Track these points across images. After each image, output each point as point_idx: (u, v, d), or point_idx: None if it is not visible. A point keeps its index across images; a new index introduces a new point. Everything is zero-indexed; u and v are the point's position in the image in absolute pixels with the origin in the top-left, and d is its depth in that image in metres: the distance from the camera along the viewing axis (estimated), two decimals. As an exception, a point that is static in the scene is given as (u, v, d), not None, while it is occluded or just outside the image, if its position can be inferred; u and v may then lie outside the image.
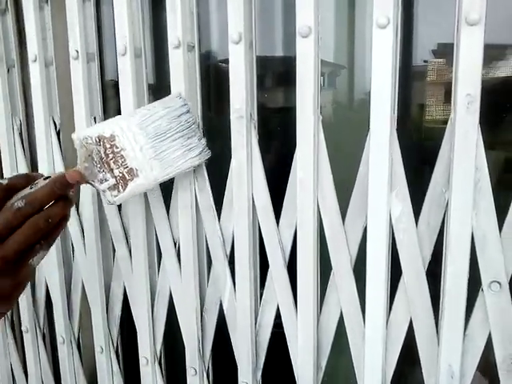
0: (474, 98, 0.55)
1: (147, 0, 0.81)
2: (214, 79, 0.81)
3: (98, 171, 0.66)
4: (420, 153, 0.70)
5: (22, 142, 0.95)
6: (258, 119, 0.71)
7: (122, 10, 0.75)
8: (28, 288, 0.98)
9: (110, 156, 0.66)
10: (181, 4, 0.70)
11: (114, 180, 0.67)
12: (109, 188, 0.67)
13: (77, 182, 0.62)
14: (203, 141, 0.72)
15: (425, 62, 0.69)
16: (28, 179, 0.60)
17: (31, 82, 0.87)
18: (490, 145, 0.60)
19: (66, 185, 0.60)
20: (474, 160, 0.57)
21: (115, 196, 0.68)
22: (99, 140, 0.66)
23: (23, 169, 0.94)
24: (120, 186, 0.67)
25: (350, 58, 0.73)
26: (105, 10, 0.85)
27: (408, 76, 0.69)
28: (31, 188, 0.58)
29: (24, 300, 0.99)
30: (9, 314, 1.03)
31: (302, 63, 0.63)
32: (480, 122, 0.56)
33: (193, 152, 0.70)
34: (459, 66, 0.55)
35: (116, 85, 0.80)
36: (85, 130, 0.70)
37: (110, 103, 0.88)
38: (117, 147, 0.66)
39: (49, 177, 0.60)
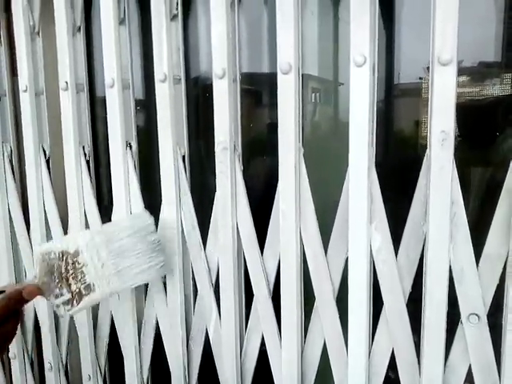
0: (447, 134, 0.56)
1: (136, 33, 0.83)
2: (201, 110, 0.82)
3: (55, 286, 0.66)
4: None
5: (13, 169, 0.96)
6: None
7: (110, 44, 0.77)
8: (16, 314, 0.99)
9: (71, 272, 0.66)
10: (166, 40, 0.72)
11: (70, 295, 0.67)
12: (63, 303, 0.67)
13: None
14: (162, 258, 0.73)
15: (420, 79, 0.70)
16: None
17: (22, 111, 0.89)
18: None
19: (21, 302, 0.61)
20: (450, 194, 0.58)
21: (68, 310, 0.68)
22: (62, 255, 0.67)
23: (13, 195, 0.95)
24: (74, 301, 0.67)
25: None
26: (94, 42, 0.87)
27: (402, 93, 0.71)
28: None
29: (12, 326, 0.99)
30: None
31: (284, 98, 0.65)
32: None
33: (152, 269, 0.71)
34: (433, 103, 0.57)
35: (105, 114, 0.81)
36: (49, 244, 0.70)
37: (99, 132, 0.90)
38: (79, 263, 0.66)
39: (3, 291, 0.60)
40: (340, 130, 0.74)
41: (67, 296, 0.67)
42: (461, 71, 0.64)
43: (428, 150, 0.59)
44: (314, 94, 0.76)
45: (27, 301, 0.61)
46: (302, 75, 0.66)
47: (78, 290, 0.67)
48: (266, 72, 0.77)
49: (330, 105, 0.77)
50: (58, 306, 0.67)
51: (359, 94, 0.61)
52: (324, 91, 0.76)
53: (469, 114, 0.68)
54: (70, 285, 0.66)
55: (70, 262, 0.66)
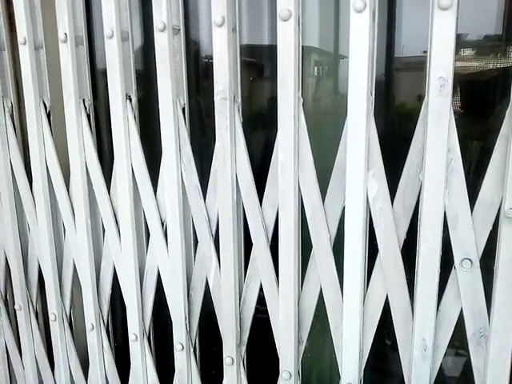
0: (446, 80, 0.57)
1: (134, -17, 0.82)
2: (200, 62, 0.82)
3: None
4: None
5: (14, 124, 0.96)
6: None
7: (109, -6, 0.76)
8: (21, 267, 1.01)
9: None
10: (166, -13, 0.71)
11: None
12: None
13: None
14: None
15: (424, 52, 0.70)
16: None
17: (21, 65, 0.89)
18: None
19: None
20: (447, 141, 0.59)
21: None
22: None
23: (15, 150, 0.96)
24: None
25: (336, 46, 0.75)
26: (93, -7, 0.86)
27: (406, 67, 0.71)
28: None
29: (17, 278, 1.01)
30: (2, 291, 1.05)
31: (283, 46, 0.65)
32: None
33: None
34: (432, 49, 0.57)
35: (105, 67, 0.81)
36: None
37: (99, 85, 0.90)
38: None
39: None
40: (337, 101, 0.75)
41: None
42: (466, 45, 0.65)
43: (426, 97, 0.59)
44: (316, 67, 0.76)
45: None
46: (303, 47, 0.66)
47: None
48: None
49: (332, 78, 0.77)
50: None
51: (358, 41, 0.60)
52: (328, 64, 0.76)
53: (473, 86, 0.68)
54: None
55: None
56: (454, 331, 0.67)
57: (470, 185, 0.61)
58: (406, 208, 0.65)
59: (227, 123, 0.72)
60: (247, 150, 0.73)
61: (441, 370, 0.69)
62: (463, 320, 0.66)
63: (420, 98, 0.67)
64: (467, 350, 0.66)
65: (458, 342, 0.72)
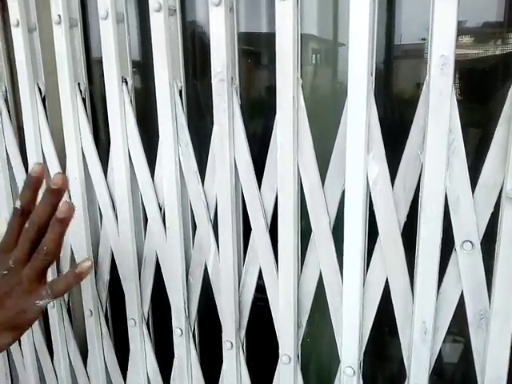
0: (448, 59, 0.56)
1: (129, -37, 0.80)
2: (197, 44, 0.81)
3: None
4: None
5: (8, 109, 0.95)
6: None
7: (103, -27, 0.74)
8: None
9: None
10: (161, -34, 0.69)
11: None
12: None
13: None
14: None
15: (423, 39, 0.69)
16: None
17: (14, 47, 0.87)
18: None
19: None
20: (448, 121, 0.58)
21: None
22: None
23: (10, 135, 0.94)
24: None
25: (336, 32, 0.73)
26: (87, -26, 0.84)
27: (405, 55, 0.70)
28: None
29: (14, 266, 1.00)
30: None
31: (281, 26, 0.63)
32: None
33: None
34: (434, 26, 0.55)
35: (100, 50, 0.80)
36: None
37: (94, 69, 0.88)
38: None
39: None
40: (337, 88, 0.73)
41: None
42: (465, 31, 0.63)
43: (427, 76, 0.58)
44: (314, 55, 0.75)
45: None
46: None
47: None
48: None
49: (331, 66, 0.76)
50: None
51: (359, 16, 0.59)
52: (326, 52, 0.74)
53: (475, 72, 0.67)
54: None
55: None
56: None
57: (471, 167, 0.60)
58: (407, 190, 0.64)
59: (225, 106, 0.71)
60: (246, 133, 0.72)
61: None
62: (463, 303, 0.65)
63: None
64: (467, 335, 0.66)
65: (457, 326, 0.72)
